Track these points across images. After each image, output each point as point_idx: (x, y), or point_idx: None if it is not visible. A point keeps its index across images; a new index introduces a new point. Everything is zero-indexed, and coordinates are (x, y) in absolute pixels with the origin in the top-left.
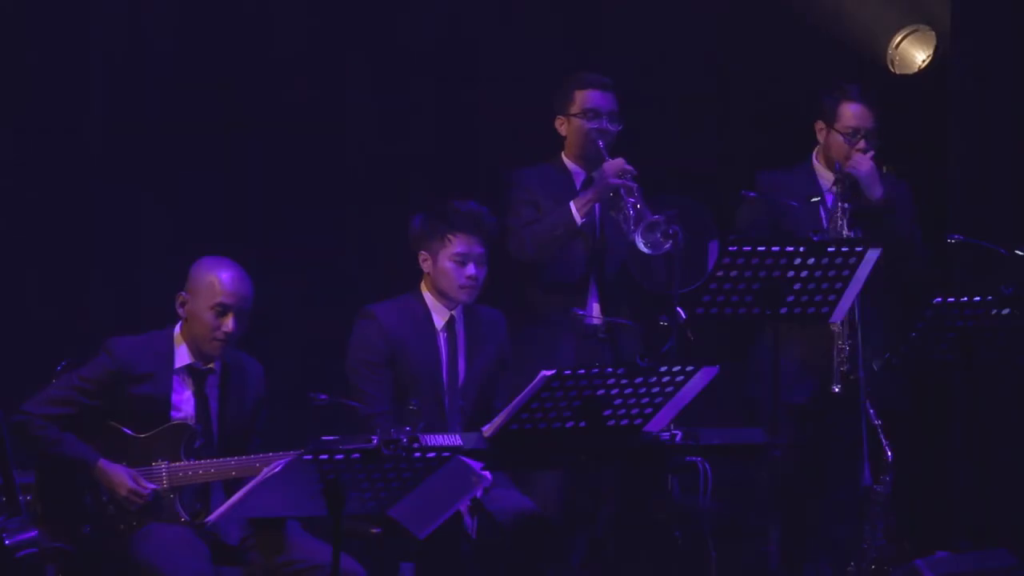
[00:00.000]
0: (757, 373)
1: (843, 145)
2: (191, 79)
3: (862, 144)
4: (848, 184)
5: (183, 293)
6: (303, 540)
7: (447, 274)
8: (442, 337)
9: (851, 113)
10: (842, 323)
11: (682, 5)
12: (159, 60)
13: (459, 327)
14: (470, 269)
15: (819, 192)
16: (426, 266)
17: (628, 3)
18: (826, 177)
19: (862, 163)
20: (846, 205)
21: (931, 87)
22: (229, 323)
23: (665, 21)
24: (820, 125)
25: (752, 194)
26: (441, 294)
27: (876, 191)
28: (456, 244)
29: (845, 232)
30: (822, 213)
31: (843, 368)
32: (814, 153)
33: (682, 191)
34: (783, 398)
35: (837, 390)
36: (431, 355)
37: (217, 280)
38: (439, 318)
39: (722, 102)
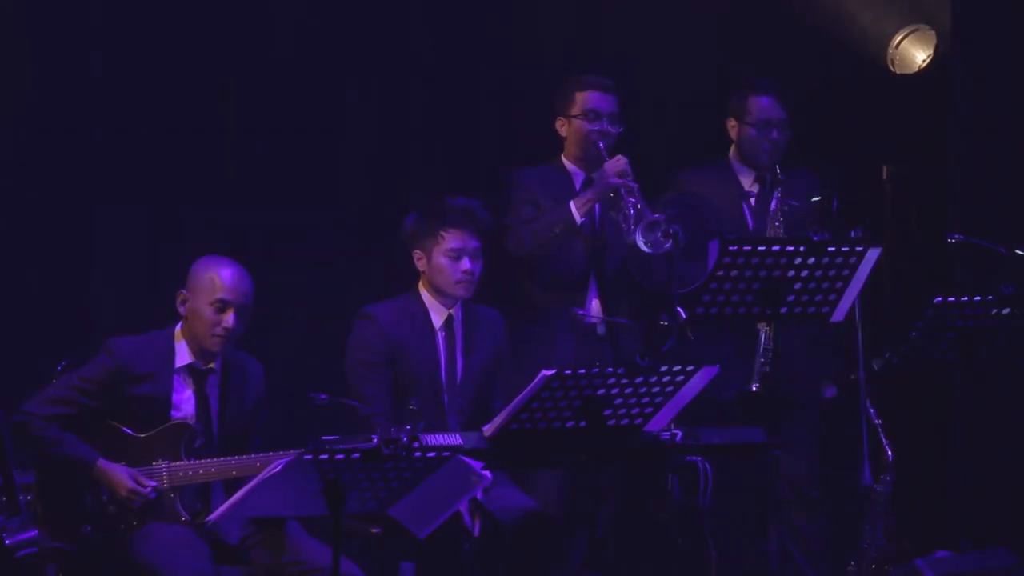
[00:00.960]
0: None
1: (756, 138)
2: (191, 79)
3: (773, 135)
4: (770, 182)
5: (183, 291)
6: (303, 541)
7: (442, 270)
8: (440, 336)
9: (760, 106)
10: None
11: (682, 5)
12: (159, 59)
13: (457, 326)
14: (465, 263)
15: (740, 190)
16: (421, 264)
17: (628, 3)
18: (745, 175)
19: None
20: (786, 206)
21: (931, 87)
22: (229, 319)
23: (665, 21)
24: (732, 123)
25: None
26: (438, 291)
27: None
28: (449, 240)
29: (782, 232)
30: (746, 211)
31: (766, 369)
32: (730, 152)
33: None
34: (710, 394)
35: (755, 388)
36: (430, 354)
37: (217, 276)
38: (437, 317)
39: (722, 102)
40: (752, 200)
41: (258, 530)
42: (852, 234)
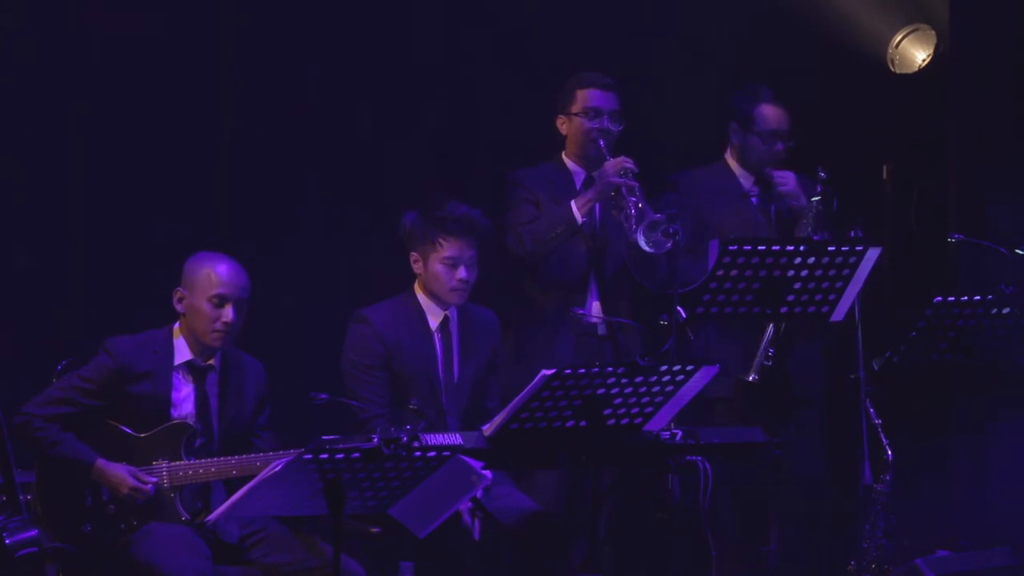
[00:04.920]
0: None
1: (760, 147)
2: (190, 78)
3: (779, 146)
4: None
5: (180, 289)
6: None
7: (437, 277)
8: (437, 337)
9: (768, 115)
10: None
11: (682, 5)
12: (157, 57)
13: (453, 327)
14: (461, 273)
15: (739, 190)
16: (417, 267)
17: (630, 3)
18: (743, 175)
19: (787, 180)
20: (821, 207)
21: (931, 87)
22: (228, 313)
23: (666, 21)
24: (735, 127)
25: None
26: (432, 295)
27: (801, 201)
28: (447, 248)
29: (809, 233)
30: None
31: (767, 363)
32: (727, 152)
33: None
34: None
35: (751, 379)
36: (427, 355)
37: (213, 272)
38: (433, 319)
39: (723, 101)
40: (754, 200)
41: (261, 529)
42: (852, 234)
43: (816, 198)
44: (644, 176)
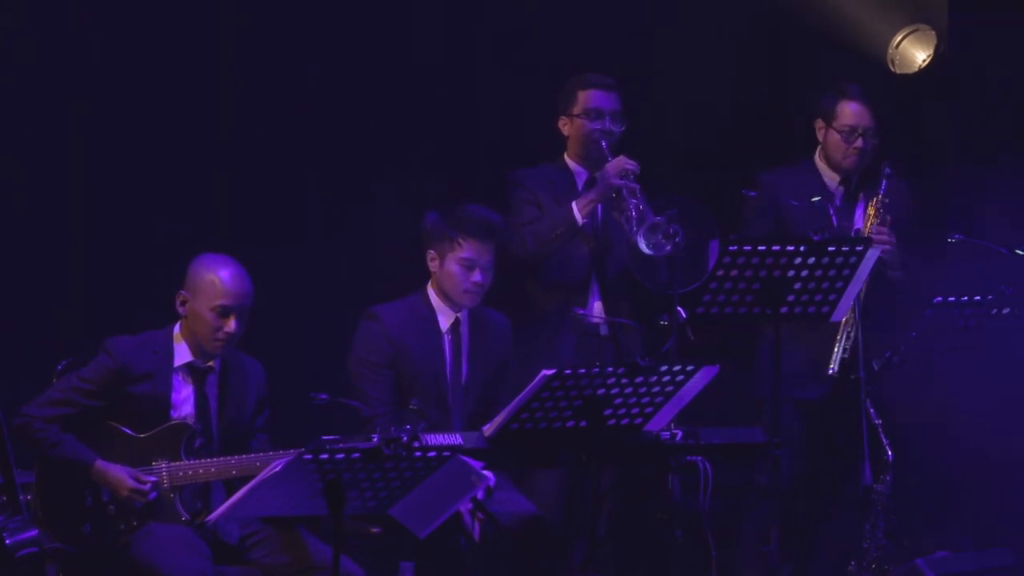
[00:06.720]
0: (763, 372)
1: (841, 143)
2: (190, 78)
3: (859, 142)
4: (855, 184)
5: (183, 292)
6: (305, 540)
7: (452, 277)
8: (447, 340)
9: (849, 111)
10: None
11: (682, 5)
12: (157, 57)
13: (464, 330)
14: (476, 276)
15: (824, 190)
16: (433, 265)
17: (631, 4)
18: (830, 176)
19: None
20: (886, 212)
21: (931, 86)
22: (231, 324)
23: (666, 21)
24: (820, 124)
25: (753, 193)
26: (445, 296)
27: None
28: (465, 249)
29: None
30: (831, 212)
31: (845, 356)
32: (816, 152)
33: (683, 190)
34: (794, 394)
35: (831, 372)
36: (435, 358)
37: (217, 279)
38: (444, 320)
39: (723, 101)
40: (838, 201)
41: (261, 529)
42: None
43: (880, 193)
44: (645, 178)
